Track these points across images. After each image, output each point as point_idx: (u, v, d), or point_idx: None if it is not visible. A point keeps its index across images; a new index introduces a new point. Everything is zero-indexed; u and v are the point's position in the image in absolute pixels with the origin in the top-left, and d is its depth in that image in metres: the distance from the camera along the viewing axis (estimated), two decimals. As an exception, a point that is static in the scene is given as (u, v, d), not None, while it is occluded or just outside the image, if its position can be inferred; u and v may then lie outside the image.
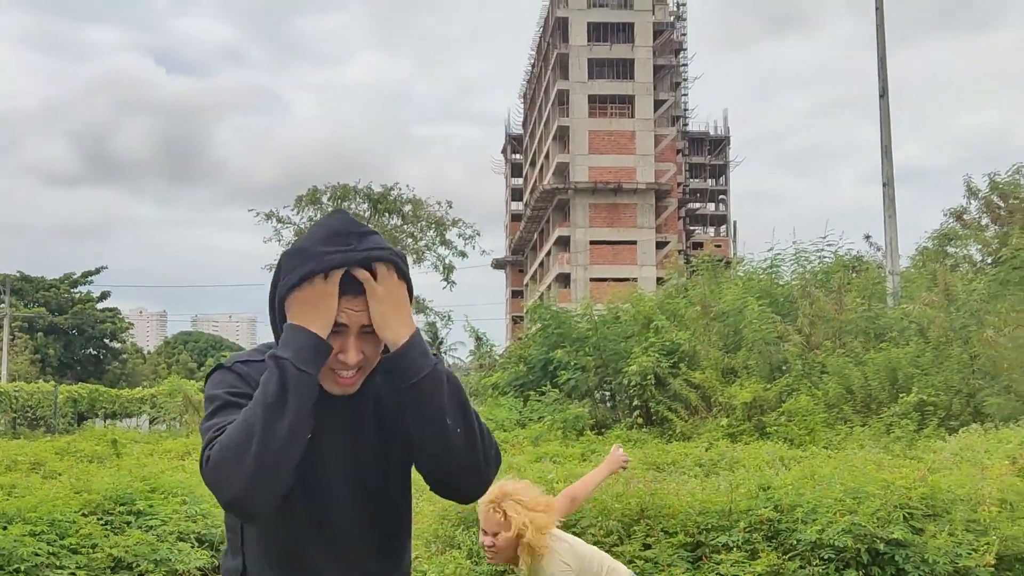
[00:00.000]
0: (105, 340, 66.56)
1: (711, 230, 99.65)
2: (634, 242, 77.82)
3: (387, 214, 44.30)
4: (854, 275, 22.70)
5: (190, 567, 6.86)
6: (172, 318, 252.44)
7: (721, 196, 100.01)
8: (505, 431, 18.69)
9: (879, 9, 23.39)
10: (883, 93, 23.24)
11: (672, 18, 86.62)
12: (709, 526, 6.23)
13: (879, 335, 18.19)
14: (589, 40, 79.71)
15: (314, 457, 2.04)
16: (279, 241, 44.93)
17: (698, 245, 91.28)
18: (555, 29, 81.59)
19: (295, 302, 1.99)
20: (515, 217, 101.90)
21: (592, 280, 73.84)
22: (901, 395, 15.47)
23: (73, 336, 63.46)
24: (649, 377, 18.62)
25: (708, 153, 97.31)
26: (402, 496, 2.21)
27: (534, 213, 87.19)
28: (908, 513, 5.96)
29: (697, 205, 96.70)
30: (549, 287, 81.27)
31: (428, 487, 2.11)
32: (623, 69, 80.00)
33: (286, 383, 1.88)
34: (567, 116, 78.86)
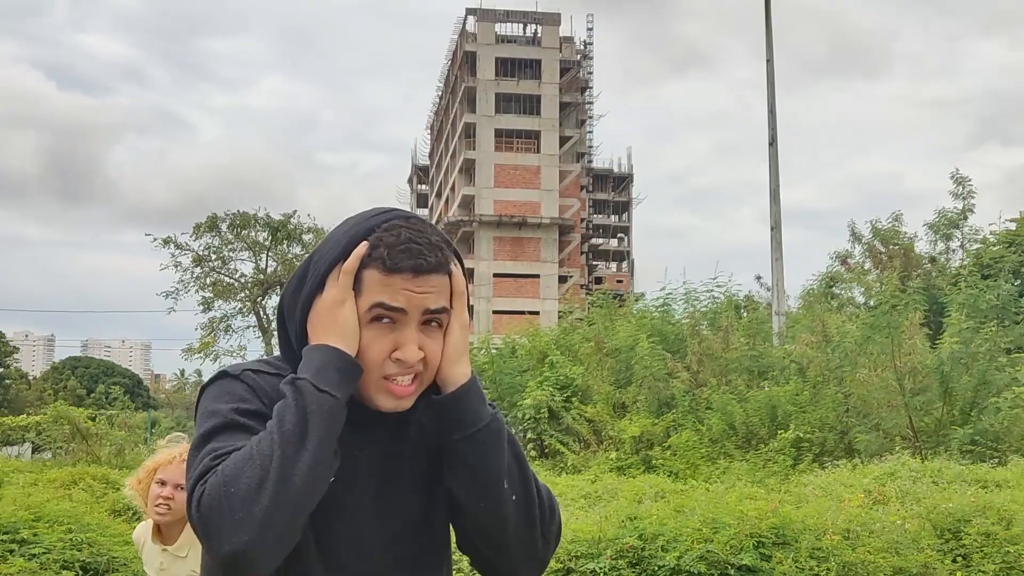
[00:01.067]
0: (-14, 365, 64.57)
1: (613, 265, 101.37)
2: (537, 276, 78.79)
3: (287, 242, 44.29)
4: (743, 314, 23.61)
5: (75, 594, 7.00)
6: (61, 342, 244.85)
7: (623, 233, 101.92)
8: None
9: (769, 61, 24.50)
10: (772, 141, 24.29)
11: (579, 56, 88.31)
12: (579, 553, 6.64)
13: (762, 373, 18.97)
14: (497, 75, 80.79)
15: (335, 506, 1.64)
16: (176, 267, 44.53)
17: (600, 280, 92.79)
18: (463, 63, 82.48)
19: (314, 314, 1.64)
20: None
21: (495, 312, 74.45)
22: (780, 431, 16.19)
23: (-46, 360, 61.47)
24: (543, 410, 19.10)
25: (612, 190, 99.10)
26: (444, 568, 1.81)
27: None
28: (759, 541, 6.46)
29: (600, 241, 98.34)
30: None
31: (470, 564, 1.78)
32: (530, 105, 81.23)
33: (306, 409, 1.51)
34: (474, 149, 79.67)
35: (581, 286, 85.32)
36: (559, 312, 63.94)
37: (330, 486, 1.56)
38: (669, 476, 14.91)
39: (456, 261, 1.67)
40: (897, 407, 15.81)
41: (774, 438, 16.08)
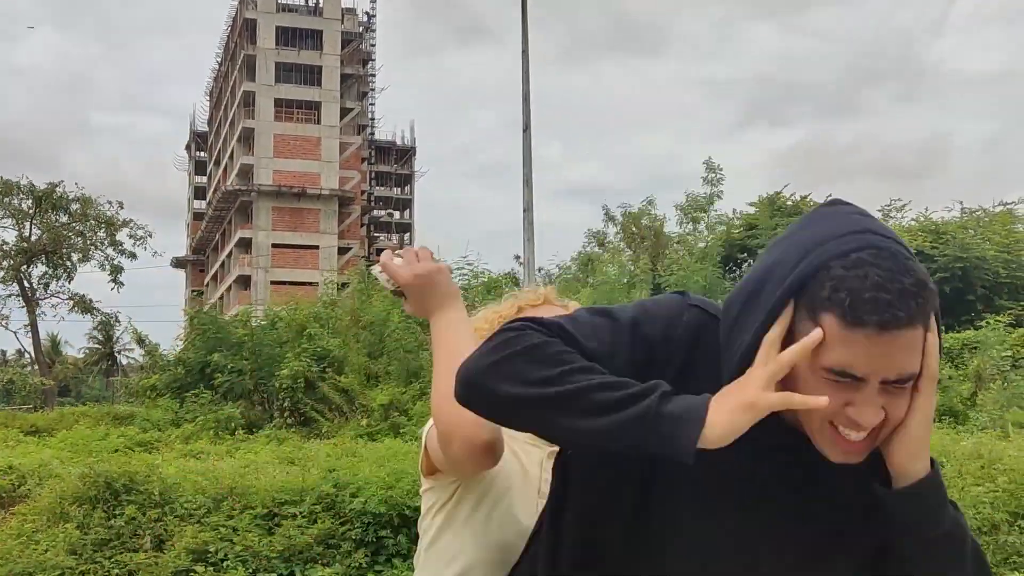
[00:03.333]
0: None
1: (395, 237, 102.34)
2: (316, 247, 78.80)
3: (52, 211, 43.03)
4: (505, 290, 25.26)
5: None
6: None
7: (405, 205, 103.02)
8: (160, 431, 19.53)
9: (524, 52, 26.13)
10: (526, 128, 25.97)
11: (361, 29, 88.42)
12: (283, 500, 7.80)
13: (505, 345, 20.61)
14: (277, 44, 79.91)
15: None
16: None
17: (382, 251, 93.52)
18: (243, 30, 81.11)
19: (743, 378, 1.38)
20: (197, 216, 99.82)
21: (273, 283, 74.03)
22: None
23: None
24: (300, 380, 20.07)
25: (395, 162, 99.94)
26: None
27: (216, 213, 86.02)
28: (435, 486, 7.83)
29: (382, 213, 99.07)
30: (229, 288, 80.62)
31: None
32: (311, 75, 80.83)
33: (645, 416, 1.31)
34: (253, 118, 78.62)
35: (361, 257, 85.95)
36: (339, 283, 64.61)
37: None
38: (411, 440, 16.29)
39: (935, 311, 1.35)
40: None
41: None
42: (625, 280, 19.54)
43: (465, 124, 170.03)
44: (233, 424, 19.28)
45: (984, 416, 14.32)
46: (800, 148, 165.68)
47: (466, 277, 23.03)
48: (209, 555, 7.15)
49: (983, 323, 26.30)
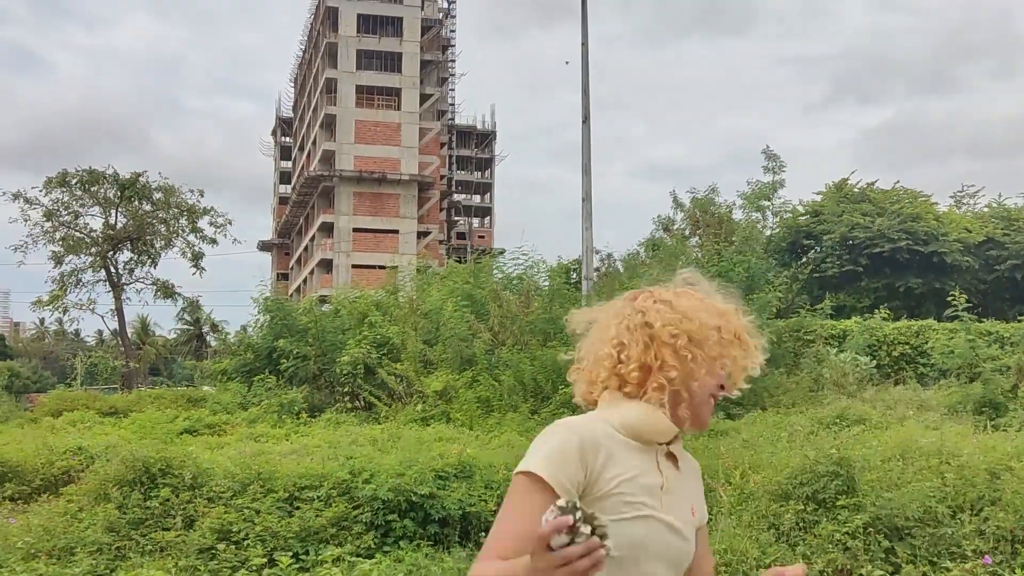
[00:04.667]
0: None
1: (475, 221, 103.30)
2: (396, 231, 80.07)
3: (136, 199, 44.74)
4: (573, 277, 25.76)
5: None
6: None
7: (486, 189, 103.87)
8: (228, 413, 20.53)
9: (584, 45, 26.48)
10: (585, 119, 26.35)
11: (441, 15, 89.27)
12: (304, 485, 8.47)
13: (556, 335, 21.09)
14: (359, 31, 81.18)
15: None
16: (26, 222, 44.61)
17: (463, 235, 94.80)
18: (326, 17, 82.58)
19: None
20: (283, 200, 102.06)
21: (354, 267, 75.58)
22: (561, 387, 18.33)
23: None
24: (359, 366, 20.87)
25: (475, 147, 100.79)
26: None
27: (300, 198, 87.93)
28: (442, 475, 8.41)
29: (462, 197, 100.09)
30: (312, 272, 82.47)
31: None
32: (391, 62, 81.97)
33: None
34: (335, 104, 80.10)
35: (441, 242, 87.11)
36: (418, 267, 65.89)
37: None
38: (462, 426, 16.93)
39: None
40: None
41: (557, 392, 18.25)
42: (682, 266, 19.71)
43: (547, 106, 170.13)
44: (296, 408, 20.18)
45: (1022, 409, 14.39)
46: (890, 126, 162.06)
47: (522, 266, 23.60)
48: (232, 534, 7.85)
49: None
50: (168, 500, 8.21)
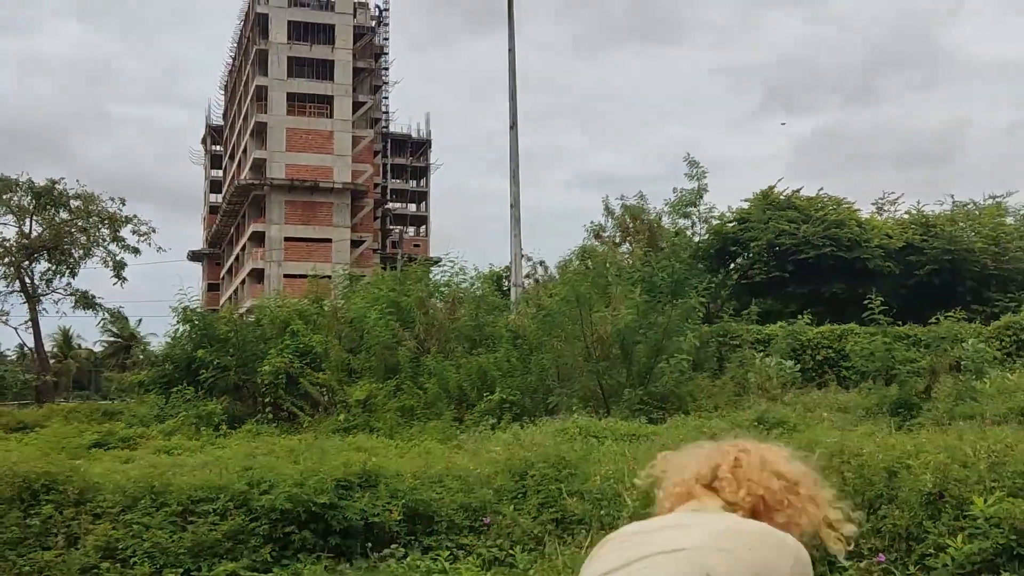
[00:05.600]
0: None
1: (410, 230, 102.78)
2: (329, 240, 79.27)
3: (53, 207, 43.57)
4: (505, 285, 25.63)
5: None
6: None
7: (421, 197, 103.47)
8: (144, 426, 19.91)
9: (511, 51, 26.38)
10: (513, 124, 26.24)
11: (373, 22, 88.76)
12: (199, 497, 8.11)
13: (483, 342, 20.88)
14: (289, 38, 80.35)
15: None
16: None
17: (396, 244, 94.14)
18: (255, 24, 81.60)
19: None
20: (213, 209, 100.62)
21: (286, 276, 74.58)
22: (486, 394, 18.12)
23: None
24: (281, 376, 20.43)
25: (410, 155, 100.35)
26: None
27: (230, 207, 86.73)
28: (345, 484, 8.10)
29: (397, 205, 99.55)
30: (244, 282, 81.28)
31: None
32: (323, 69, 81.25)
33: None
34: (265, 112, 79.13)
35: (375, 251, 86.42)
36: (350, 276, 65.28)
37: None
38: (382, 436, 16.58)
39: None
40: (588, 372, 18.00)
41: (481, 400, 18.03)
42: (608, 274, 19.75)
43: (482, 114, 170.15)
44: (215, 419, 19.64)
45: (937, 408, 14.48)
46: (820, 135, 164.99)
47: (448, 274, 23.38)
48: (118, 552, 7.47)
49: (972, 315, 26.43)
50: (51, 517, 7.78)
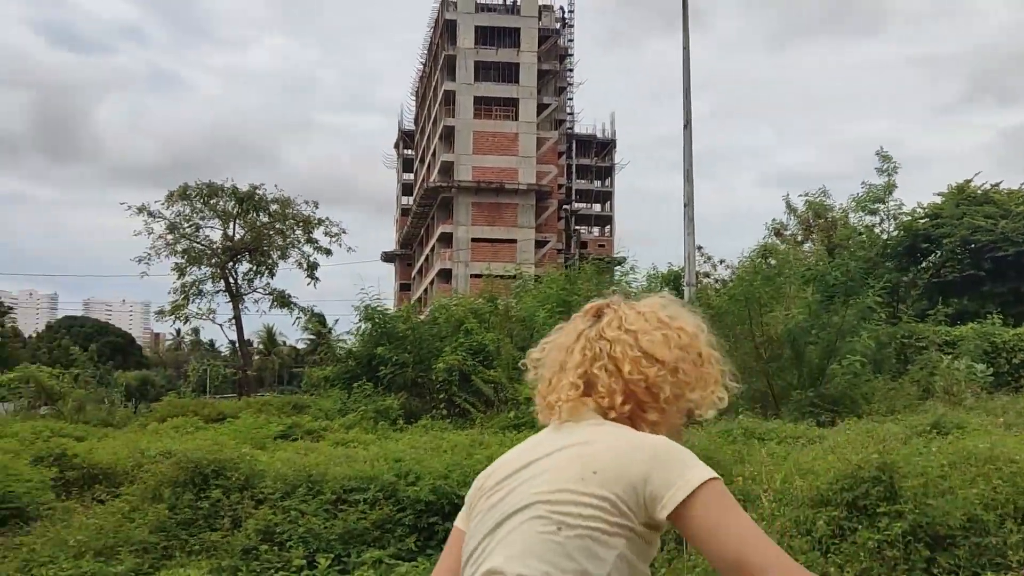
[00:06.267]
0: (-21, 323, 66.67)
1: (595, 230, 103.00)
2: (514, 241, 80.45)
3: (254, 211, 46.20)
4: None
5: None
6: (63, 302, 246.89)
7: (606, 198, 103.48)
8: (328, 419, 20.90)
9: (685, 48, 26.10)
10: (687, 124, 25.93)
11: (558, 24, 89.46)
12: (352, 487, 8.53)
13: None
14: (476, 43, 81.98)
15: None
16: (149, 234, 46.46)
17: (583, 244, 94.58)
18: (444, 30, 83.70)
19: None
20: (405, 211, 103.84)
21: (473, 276, 76.21)
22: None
23: (-52, 319, 63.48)
24: (455, 373, 21.00)
25: (595, 155, 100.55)
26: None
27: (420, 209, 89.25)
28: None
29: (582, 206, 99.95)
30: (433, 282, 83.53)
31: None
32: (509, 73, 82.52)
33: None
34: (453, 116, 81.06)
35: (559, 251, 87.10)
36: (536, 276, 66.11)
37: None
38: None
39: None
40: (757, 372, 17.68)
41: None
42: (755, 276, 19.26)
43: (667, 112, 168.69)
44: (392, 414, 20.39)
45: None
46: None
47: (619, 273, 23.40)
48: (276, 535, 7.95)
49: None
50: (219, 501, 8.36)
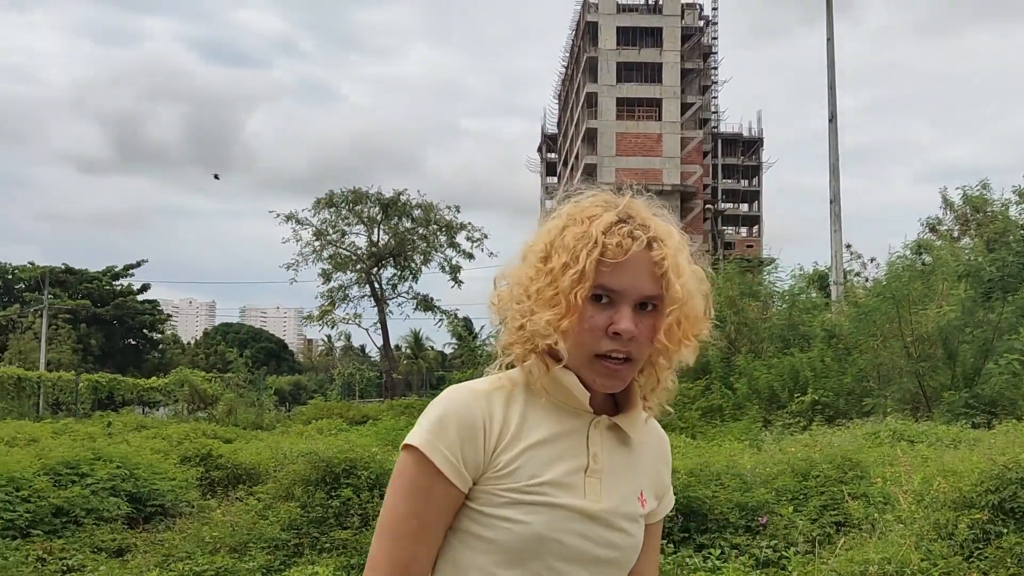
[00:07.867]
0: (144, 331, 69.95)
1: (743, 230, 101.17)
2: (659, 242, 79.67)
3: (398, 217, 47.23)
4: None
5: (115, 514, 9.26)
6: (221, 308, 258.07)
7: (753, 197, 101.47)
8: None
9: (830, 40, 25.32)
10: (832, 118, 25.18)
11: (701, 23, 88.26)
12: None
13: (796, 341, 20.21)
14: (618, 44, 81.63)
15: None
16: (297, 242, 48.00)
17: (729, 245, 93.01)
18: (586, 33, 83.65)
19: None
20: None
21: (618, 279, 75.83)
22: (797, 395, 17.54)
23: (114, 327, 66.76)
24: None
25: (741, 154, 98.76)
26: None
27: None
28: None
29: (728, 206, 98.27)
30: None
31: None
32: (651, 73, 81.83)
33: None
34: (595, 118, 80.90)
35: (705, 252, 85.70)
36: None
37: None
38: (686, 435, 16.54)
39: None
40: (908, 373, 16.96)
41: (792, 401, 17.47)
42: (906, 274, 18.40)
43: (816, 108, 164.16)
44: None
45: None
46: None
47: (764, 272, 22.81)
48: (404, 534, 7.98)
49: None
50: (349, 499, 8.46)
